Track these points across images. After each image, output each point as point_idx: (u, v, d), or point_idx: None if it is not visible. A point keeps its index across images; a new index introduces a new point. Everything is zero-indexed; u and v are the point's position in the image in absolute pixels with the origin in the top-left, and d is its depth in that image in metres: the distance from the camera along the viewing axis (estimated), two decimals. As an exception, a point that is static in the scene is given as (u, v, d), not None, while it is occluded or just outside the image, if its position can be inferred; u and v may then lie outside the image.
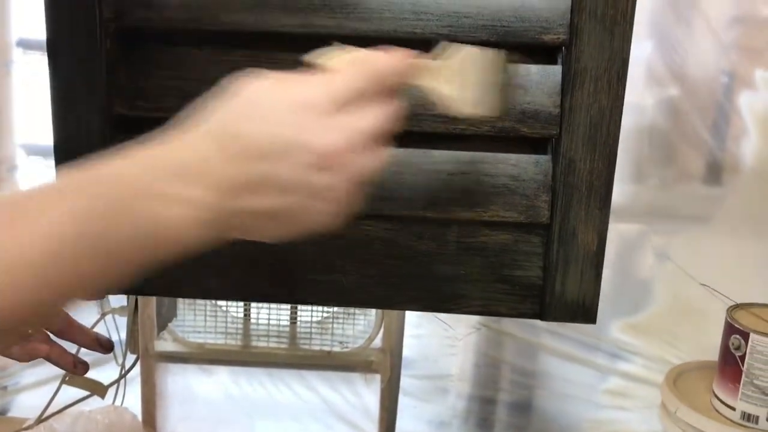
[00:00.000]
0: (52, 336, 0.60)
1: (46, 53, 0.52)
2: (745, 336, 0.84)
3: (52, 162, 1.41)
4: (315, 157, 0.36)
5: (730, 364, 0.85)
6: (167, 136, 0.37)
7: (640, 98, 1.34)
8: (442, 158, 0.53)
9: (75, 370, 0.59)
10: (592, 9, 0.49)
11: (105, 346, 0.60)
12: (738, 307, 0.93)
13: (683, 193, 1.37)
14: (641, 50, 1.30)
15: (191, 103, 0.49)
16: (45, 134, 1.39)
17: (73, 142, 0.52)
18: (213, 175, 0.36)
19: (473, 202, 0.53)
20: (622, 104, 0.51)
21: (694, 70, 1.30)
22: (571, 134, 0.51)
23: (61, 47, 0.52)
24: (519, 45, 0.50)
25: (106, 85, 0.52)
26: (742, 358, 0.84)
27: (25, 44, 1.35)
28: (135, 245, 0.35)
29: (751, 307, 0.94)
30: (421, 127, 0.51)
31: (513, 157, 0.53)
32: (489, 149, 0.53)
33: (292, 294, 0.54)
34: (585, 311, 0.54)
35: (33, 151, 1.39)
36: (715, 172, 1.36)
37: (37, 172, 1.39)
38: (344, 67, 0.38)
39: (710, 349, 0.96)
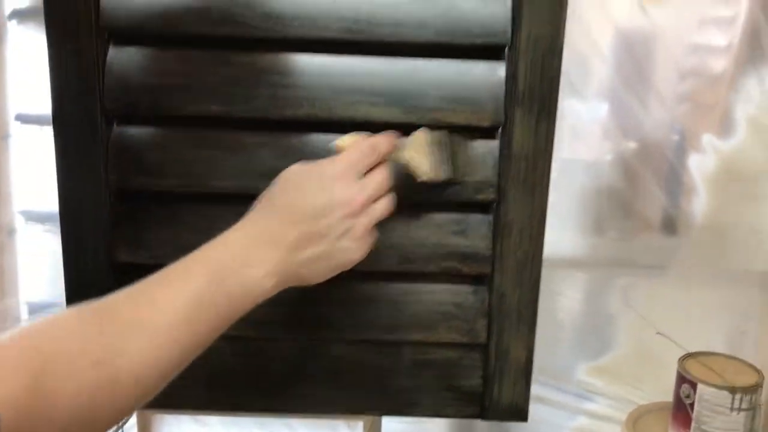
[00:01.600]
0: None
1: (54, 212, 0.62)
2: (694, 386, 0.90)
3: (48, 227, 1.52)
4: (346, 209, 0.51)
5: (681, 411, 0.92)
6: (245, 218, 0.52)
7: (597, 156, 1.45)
8: (397, 291, 0.64)
9: None
10: (515, 174, 0.61)
11: None
12: (689, 356, 1.00)
13: (641, 244, 1.48)
14: (598, 111, 1.42)
15: (185, 251, 0.60)
16: (41, 201, 1.49)
17: (81, 287, 0.63)
18: (278, 239, 0.51)
19: (423, 327, 0.64)
20: (542, 248, 0.62)
21: (646, 132, 1.41)
22: (502, 273, 0.63)
23: (72, 206, 0.62)
24: (457, 202, 0.62)
25: (112, 236, 0.63)
26: (692, 405, 0.91)
27: (23, 118, 1.45)
28: (236, 303, 0.49)
29: (700, 356, 1.00)
30: (380, 267, 0.62)
31: (455, 288, 0.64)
32: (436, 282, 0.64)
33: (268, 405, 0.65)
34: (518, 412, 0.66)
35: (31, 217, 1.49)
36: (670, 226, 1.47)
37: (35, 236, 1.50)
38: (354, 145, 0.54)
39: (670, 390, 1.04)
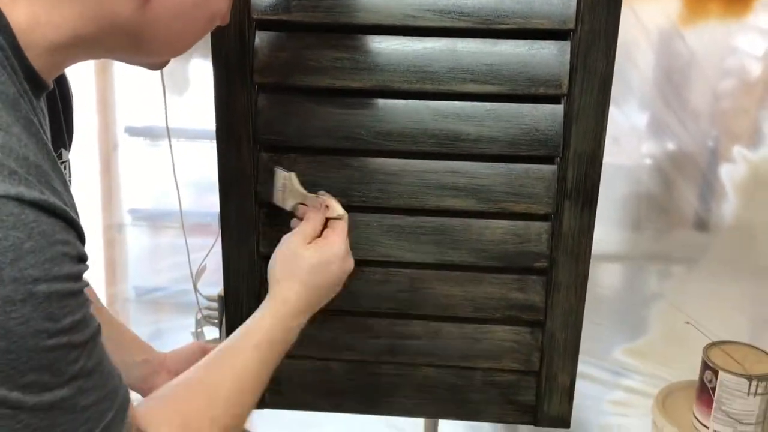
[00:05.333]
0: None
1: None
2: (716, 373, 1.07)
3: (151, 223, 1.79)
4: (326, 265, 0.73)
5: (705, 393, 1.10)
6: (276, 294, 0.73)
7: (636, 161, 1.63)
8: (473, 330, 0.85)
9: None
10: (564, 248, 0.80)
11: None
12: (713, 345, 1.14)
13: (674, 241, 1.66)
14: (639, 119, 1.59)
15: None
16: (147, 201, 1.75)
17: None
18: (303, 301, 0.72)
19: (492, 357, 0.85)
20: (584, 301, 0.82)
21: (682, 142, 1.59)
22: (552, 319, 0.83)
23: (233, 266, 0.84)
24: (519, 267, 0.82)
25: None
26: (713, 389, 1.08)
27: (131, 131, 1.68)
28: (284, 349, 0.72)
29: (723, 345, 1.14)
30: (460, 313, 0.83)
31: (516, 329, 0.85)
32: (502, 324, 0.85)
33: (369, 409, 0.87)
34: (563, 421, 0.87)
35: (137, 215, 1.74)
36: (702, 226, 1.65)
37: (141, 233, 1.75)
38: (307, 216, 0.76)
39: (697, 369, 1.20)
